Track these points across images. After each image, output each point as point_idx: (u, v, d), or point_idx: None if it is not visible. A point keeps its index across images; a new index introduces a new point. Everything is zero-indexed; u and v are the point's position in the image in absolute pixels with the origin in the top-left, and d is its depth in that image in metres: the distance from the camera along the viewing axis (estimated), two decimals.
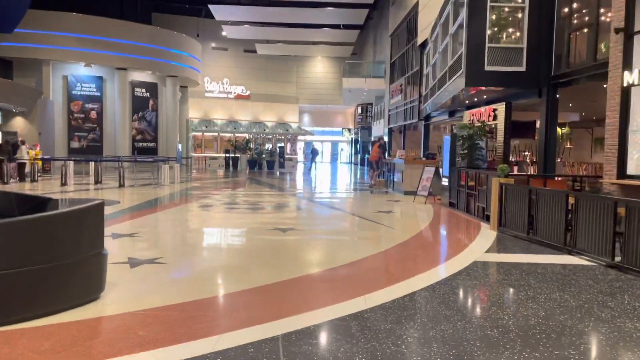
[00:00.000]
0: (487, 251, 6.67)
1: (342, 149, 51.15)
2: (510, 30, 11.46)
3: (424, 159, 15.62)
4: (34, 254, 3.67)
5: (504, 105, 12.41)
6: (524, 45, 10.93)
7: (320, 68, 42.50)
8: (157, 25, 30.70)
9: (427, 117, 20.97)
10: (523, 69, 10.91)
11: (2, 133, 21.78)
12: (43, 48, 24.63)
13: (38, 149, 20.69)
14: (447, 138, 11.87)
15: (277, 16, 33.08)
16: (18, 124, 22.91)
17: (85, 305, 3.99)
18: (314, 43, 39.47)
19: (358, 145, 43.15)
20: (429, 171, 12.60)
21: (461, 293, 4.66)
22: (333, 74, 42.11)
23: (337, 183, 21.80)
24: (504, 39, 11.39)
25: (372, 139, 36.46)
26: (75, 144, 27.34)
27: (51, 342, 3.25)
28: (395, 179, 16.07)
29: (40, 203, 5.30)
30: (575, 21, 10.67)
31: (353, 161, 44.24)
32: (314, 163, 33.57)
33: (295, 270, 5.38)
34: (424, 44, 21.05)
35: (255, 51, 39.69)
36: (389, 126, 27.97)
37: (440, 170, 12.45)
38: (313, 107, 43.50)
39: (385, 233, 8.19)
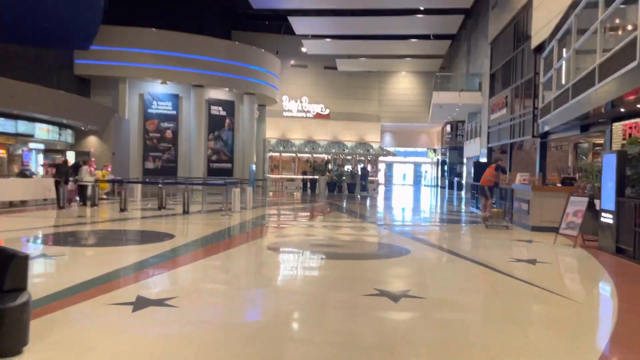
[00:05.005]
0: None
1: (426, 171, 47.61)
2: None
3: (558, 184, 12.14)
4: None
5: None
6: None
7: (405, 84, 39.59)
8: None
9: (545, 134, 17.30)
10: None
11: (75, 153, 20.87)
12: (120, 65, 23.79)
13: (109, 169, 19.45)
14: (609, 157, 8.48)
15: (360, 27, 30.76)
16: (91, 143, 22.01)
17: None
18: (399, 57, 36.68)
19: (445, 167, 39.50)
20: (579, 202, 9.22)
21: None
22: (418, 90, 39.01)
23: (435, 212, 18.59)
24: None
25: (464, 160, 32.81)
26: (149, 165, 26.25)
27: None
28: (515, 210, 12.70)
29: None
30: None
31: (440, 184, 40.51)
32: (362, 184, 27.52)
33: None
34: (539, 48, 17.56)
35: (335, 67, 37.67)
36: (489, 145, 24.31)
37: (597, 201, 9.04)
38: (396, 125, 40.54)
39: (559, 308, 5.03)
